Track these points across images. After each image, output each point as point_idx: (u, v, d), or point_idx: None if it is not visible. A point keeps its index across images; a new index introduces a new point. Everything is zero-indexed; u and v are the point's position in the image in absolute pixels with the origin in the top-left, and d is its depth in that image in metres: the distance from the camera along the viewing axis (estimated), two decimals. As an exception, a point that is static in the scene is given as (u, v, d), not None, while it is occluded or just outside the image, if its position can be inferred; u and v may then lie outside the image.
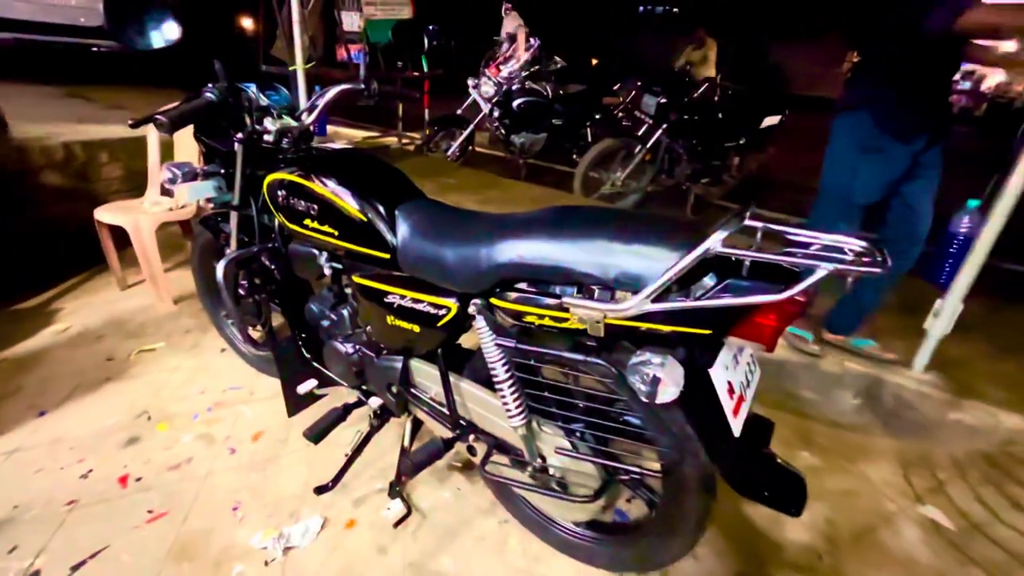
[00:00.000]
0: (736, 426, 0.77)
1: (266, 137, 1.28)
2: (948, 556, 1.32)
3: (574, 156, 4.94)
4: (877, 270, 0.61)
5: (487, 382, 1.10)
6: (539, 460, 1.02)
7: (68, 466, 1.44)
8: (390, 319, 1.11)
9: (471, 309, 0.95)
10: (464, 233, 0.96)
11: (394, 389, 1.22)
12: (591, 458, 0.96)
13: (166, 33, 1.21)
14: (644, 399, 0.75)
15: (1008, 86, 14.25)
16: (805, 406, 1.82)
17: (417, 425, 1.39)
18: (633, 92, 4.98)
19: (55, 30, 4.46)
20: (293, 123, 1.30)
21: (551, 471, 1.02)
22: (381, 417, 1.33)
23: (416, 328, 1.07)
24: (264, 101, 1.28)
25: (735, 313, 0.71)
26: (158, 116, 1.03)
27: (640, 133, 3.58)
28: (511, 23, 5.04)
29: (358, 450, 1.37)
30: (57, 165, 2.64)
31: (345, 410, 1.33)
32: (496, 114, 4.17)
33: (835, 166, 1.72)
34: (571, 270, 0.79)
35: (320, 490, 1.32)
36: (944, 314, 1.60)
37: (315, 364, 1.42)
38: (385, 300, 1.09)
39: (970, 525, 1.41)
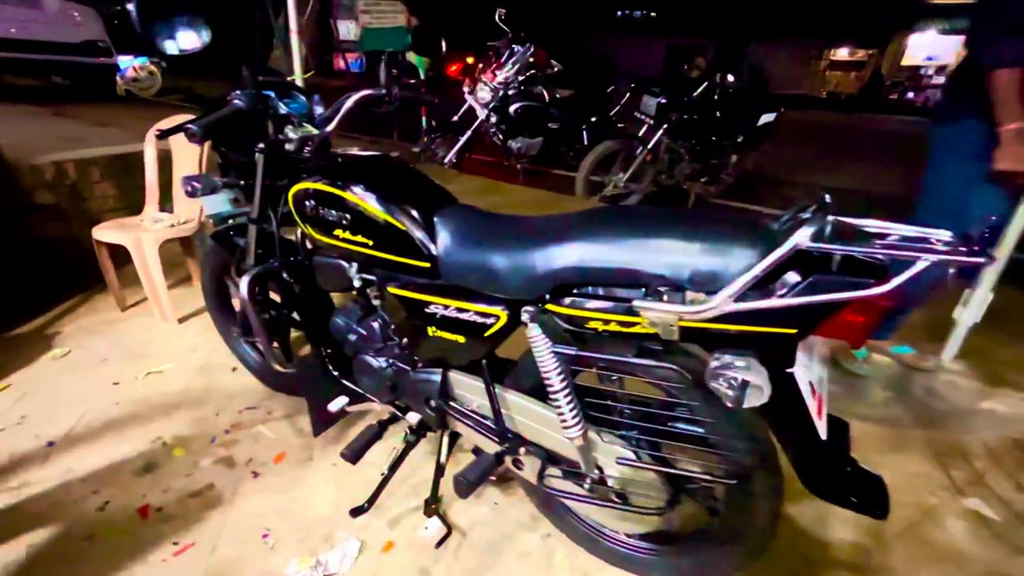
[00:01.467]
0: (822, 428, 0.74)
1: (287, 146, 1.23)
2: (997, 547, 1.31)
3: (570, 159, 4.95)
4: (982, 260, 0.58)
5: (532, 392, 1.06)
6: (596, 471, 0.98)
7: (83, 498, 1.36)
8: (432, 331, 1.06)
9: (523, 317, 0.91)
10: (512, 238, 0.92)
11: (433, 403, 1.17)
12: (656, 467, 0.92)
13: (195, 39, 1.15)
14: (730, 404, 0.72)
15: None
16: (832, 400, 1.80)
17: (453, 439, 1.34)
18: (627, 94, 5.01)
19: (36, 48, 4.36)
20: (314, 131, 1.26)
21: (610, 482, 0.98)
22: (417, 433, 1.28)
23: (461, 339, 1.03)
24: (284, 109, 1.24)
25: (822, 311, 0.68)
26: (189, 125, 0.98)
27: (640, 134, 3.58)
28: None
29: (393, 468, 1.32)
30: (48, 185, 2.55)
31: (381, 427, 1.28)
32: (493, 119, 4.15)
33: (946, 182, 1.56)
34: (640, 272, 0.76)
35: (356, 512, 1.26)
36: (973, 303, 1.60)
37: (343, 380, 1.36)
38: (426, 311, 1.05)
39: (1013, 514, 1.40)
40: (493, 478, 1.45)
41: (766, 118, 3.96)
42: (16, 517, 1.30)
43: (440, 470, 1.32)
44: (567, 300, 0.86)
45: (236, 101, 1.11)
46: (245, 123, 1.13)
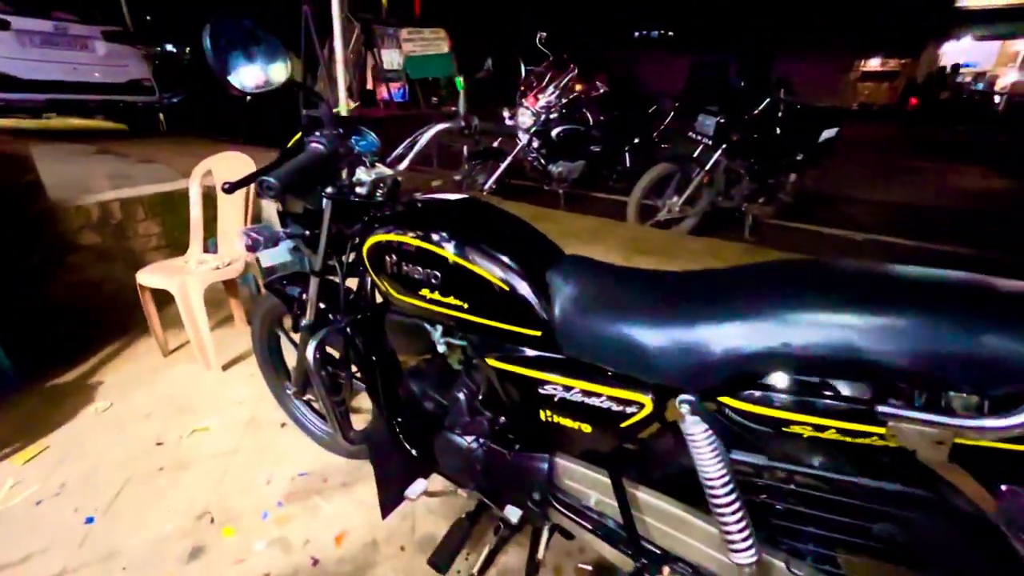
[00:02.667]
0: None
1: (358, 189, 1.07)
2: None
3: (612, 182, 4.76)
4: None
5: (663, 485, 0.85)
6: (772, 606, 0.75)
7: (124, 593, 1.20)
8: (546, 415, 0.86)
9: (682, 408, 0.70)
10: (664, 303, 0.72)
11: (536, 495, 0.96)
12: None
13: (275, 74, 0.96)
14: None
15: (1024, 84, 14.11)
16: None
17: (552, 530, 1.12)
18: (671, 114, 4.83)
19: (85, 88, 4.47)
20: (388, 171, 1.09)
21: (792, 622, 0.75)
22: (512, 527, 1.07)
23: (586, 428, 0.82)
24: (356, 148, 1.08)
25: None
26: (266, 178, 0.82)
27: (696, 155, 3.37)
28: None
29: (484, 569, 1.10)
30: (94, 226, 2.49)
31: (470, 521, 1.07)
32: (534, 144, 4.02)
33: None
34: (880, 363, 0.54)
35: (439, 623, 1.05)
36: None
37: (419, 458, 1.17)
38: (539, 391, 0.85)
39: None
40: (588, 568, 1.22)
41: (827, 133, 3.71)
42: (50, 619, 1.14)
43: (535, 567, 1.10)
44: (748, 392, 0.65)
45: (316, 144, 0.96)
46: (323, 168, 0.97)
